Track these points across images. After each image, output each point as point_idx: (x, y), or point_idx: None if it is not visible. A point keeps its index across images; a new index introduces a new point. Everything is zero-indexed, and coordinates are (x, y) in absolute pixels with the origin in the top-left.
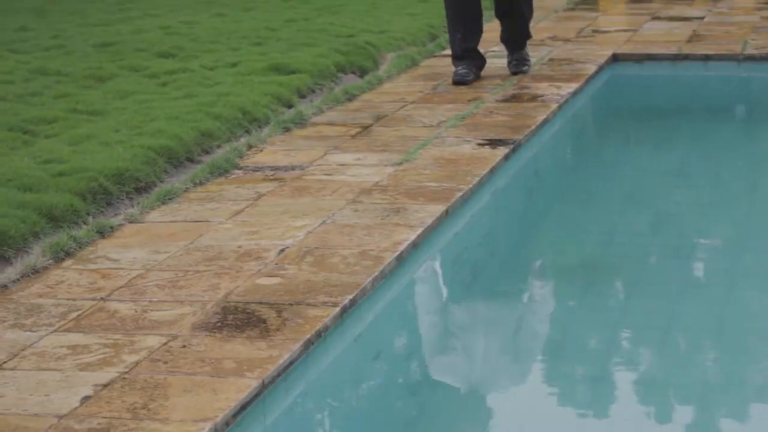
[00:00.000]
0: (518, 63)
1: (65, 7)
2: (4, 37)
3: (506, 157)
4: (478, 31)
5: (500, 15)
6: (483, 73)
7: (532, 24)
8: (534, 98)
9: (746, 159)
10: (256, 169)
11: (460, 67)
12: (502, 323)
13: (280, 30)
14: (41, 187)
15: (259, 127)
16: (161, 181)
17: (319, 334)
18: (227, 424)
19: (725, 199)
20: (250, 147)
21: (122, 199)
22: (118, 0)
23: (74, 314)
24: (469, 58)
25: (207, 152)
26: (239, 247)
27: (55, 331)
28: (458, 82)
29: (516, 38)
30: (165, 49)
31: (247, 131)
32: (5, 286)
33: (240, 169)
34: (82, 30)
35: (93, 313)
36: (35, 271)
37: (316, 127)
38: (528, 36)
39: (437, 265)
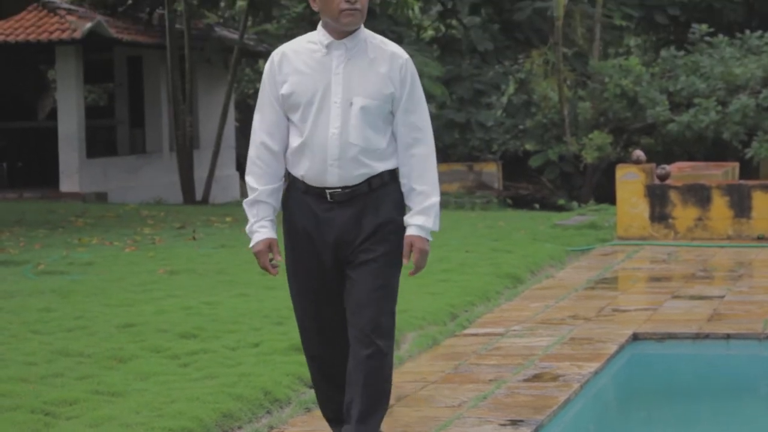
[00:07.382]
0: None
1: (89, 288)
2: (28, 318)
3: None
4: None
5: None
6: (503, 352)
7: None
8: (555, 378)
9: None
10: None
11: None
12: None
13: None
14: None
15: (281, 407)
16: None
17: None
18: None
19: None
20: (271, 428)
21: None
22: (142, 281)
23: None
24: (343, 422)
25: None
26: None
27: None
28: None
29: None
30: (187, 329)
31: (269, 412)
32: None
33: None
34: (105, 310)
35: None
36: None
37: None
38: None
39: None
